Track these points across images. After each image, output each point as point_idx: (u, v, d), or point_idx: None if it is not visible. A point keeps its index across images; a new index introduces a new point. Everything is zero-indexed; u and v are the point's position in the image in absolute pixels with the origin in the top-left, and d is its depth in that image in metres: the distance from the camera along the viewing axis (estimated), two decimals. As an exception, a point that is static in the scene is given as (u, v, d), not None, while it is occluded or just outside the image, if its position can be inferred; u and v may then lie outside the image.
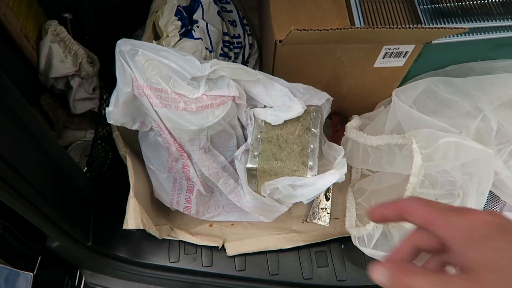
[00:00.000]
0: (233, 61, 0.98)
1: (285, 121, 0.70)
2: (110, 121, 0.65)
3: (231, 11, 1.03)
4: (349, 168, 0.95)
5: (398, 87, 0.89)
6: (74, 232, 0.72)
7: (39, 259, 0.75)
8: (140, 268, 0.84)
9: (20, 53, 0.73)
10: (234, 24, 1.02)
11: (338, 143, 0.95)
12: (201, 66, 0.59)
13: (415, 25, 0.73)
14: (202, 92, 0.60)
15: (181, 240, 0.84)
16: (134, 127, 0.68)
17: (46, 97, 0.77)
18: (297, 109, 0.68)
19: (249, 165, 0.68)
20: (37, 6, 0.77)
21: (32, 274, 0.73)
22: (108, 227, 0.82)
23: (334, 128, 0.99)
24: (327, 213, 0.89)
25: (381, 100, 0.93)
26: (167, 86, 0.59)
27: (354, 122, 0.87)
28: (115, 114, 0.64)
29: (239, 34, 1.01)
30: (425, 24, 0.75)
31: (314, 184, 0.64)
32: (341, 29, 0.62)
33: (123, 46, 0.58)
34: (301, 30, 0.61)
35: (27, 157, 0.58)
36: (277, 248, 0.84)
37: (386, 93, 0.90)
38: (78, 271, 0.88)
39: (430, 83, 0.82)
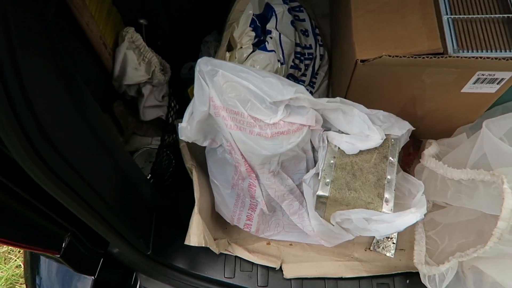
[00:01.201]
0: (303, 73, 0.94)
1: (361, 149, 0.66)
2: (182, 137, 0.64)
3: (304, 20, 0.99)
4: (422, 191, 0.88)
5: (484, 112, 0.81)
6: (136, 242, 0.73)
7: (100, 263, 0.77)
8: (195, 279, 0.83)
9: (98, 59, 0.74)
10: (306, 34, 0.98)
11: (410, 167, 0.89)
12: (283, 89, 0.56)
13: (519, 54, 0.65)
14: (280, 117, 0.57)
15: (238, 256, 0.82)
16: (205, 144, 0.67)
17: (118, 104, 0.77)
18: (375, 139, 0.63)
19: (320, 193, 0.65)
20: (116, 13, 0.78)
21: (93, 277, 0.75)
22: (167, 237, 0.82)
23: (406, 151, 0.93)
24: (393, 243, 0.84)
25: (462, 125, 0.85)
26: (243, 110, 0.57)
27: (431, 149, 0.80)
28: (188, 131, 0.62)
29: (310, 45, 0.97)
30: (527, 49, 0.67)
31: (392, 221, 0.60)
32: (436, 56, 0.56)
33: (203, 66, 0.56)
34: (393, 57, 0.55)
35: (98, 167, 0.58)
36: (337, 276, 0.80)
37: (469, 118, 0.83)
38: (134, 274, 0.89)
39: (527, 114, 0.74)
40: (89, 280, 0.76)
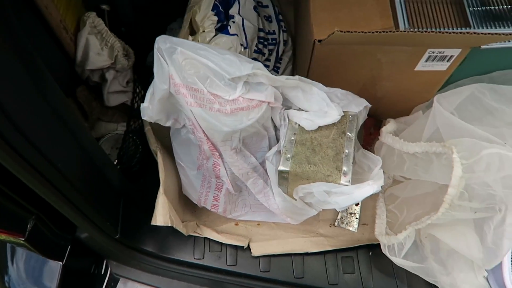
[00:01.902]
0: (266, 58, 0.96)
1: (320, 125, 0.68)
2: (145, 117, 0.64)
3: (267, 6, 1.01)
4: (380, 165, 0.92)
5: (438, 91, 0.85)
6: (104, 225, 0.73)
7: (68, 248, 0.76)
8: (165, 262, 0.84)
9: (59, 44, 0.74)
10: (270, 19, 1.00)
11: (372, 146, 0.93)
12: (240, 65, 0.58)
13: (465, 30, 0.69)
14: (239, 94, 0.59)
15: (207, 238, 0.84)
16: (168, 124, 0.68)
17: (82, 89, 0.77)
18: (333, 116, 0.66)
19: (281, 168, 0.67)
20: (76, -2, 0.78)
21: (61, 263, 0.75)
22: (136, 221, 0.83)
23: (367, 131, 0.96)
24: (356, 218, 0.87)
25: (418, 104, 0.89)
26: (203, 87, 0.58)
27: (389, 127, 0.84)
28: (150, 110, 0.63)
29: (274, 30, 0.99)
30: (474, 27, 0.71)
31: (351, 193, 0.62)
32: (386, 32, 0.59)
33: (162, 43, 0.57)
34: (344, 32, 0.58)
35: (62, 149, 0.59)
36: (303, 252, 0.83)
37: (425, 97, 0.86)
38: (105, 261, 0.90)
39: (475, 90, 0.78)
40: (57, 266, 0.76)
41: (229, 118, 0.61)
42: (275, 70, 0.99)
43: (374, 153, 0.87)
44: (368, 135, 0.95)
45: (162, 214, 0.70)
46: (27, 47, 0.53)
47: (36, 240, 0.67)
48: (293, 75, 1.04)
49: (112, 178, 0.78)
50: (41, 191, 0.56)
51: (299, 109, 0.71)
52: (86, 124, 0.80)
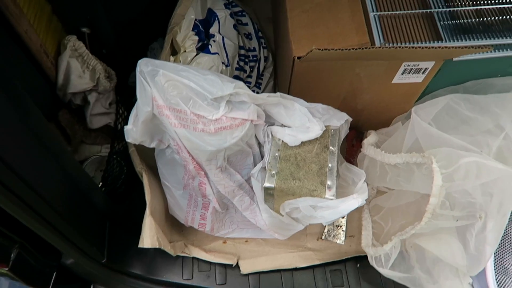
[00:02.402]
0: (248, 75, 0.97)
1: (303, 140, 0.69)
2: (129, 139, 0.64)
3: (246, 24, 1.03)
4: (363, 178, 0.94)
5: (416, 102, 0.87)
6: (90, 250, 0.72)
7: (53, 276, 0.75)
8: (154, 285, 0.83)
9: (40, 68, 0.73)
10: (250, 37, 1.01)
11: (354, 158, 0.94)
12: (222, 85, 0.59)
13: (437, 44, 0.72)
14: (222, 113, 0.60)
15: (195, 257, 0.83)
16: (152, 145, 0.68)
17: (64, 113, 0.77)
18: (315, 131, 0.67)
19: (266, 184, 0.67)
20: (56, 22, 0.78)
21: (46, 291, 0.73)
22: (122, 243, 0.82)
23: (350, 143, 0.98)
24: (343, 230, 0.88)
25: (398, 115, 0.91)
26: (186, 107, 0.58)
27: (371, 139, 0.85)
28: (134, 132, 0.63)
29: (254, 47, 1.00)
30: (446, 40, 0.74)
31: (336, 207, 0.63)
32: (362, 48, 0.61)
33: (144, 66, 0.58)
34: (322, 50, 0.60)
35: (45, 174, 0.58)
36: (292, 267, 0.83)
37: (403, 108, 0.89)
38: (92, 286, 0.88)
39: (450, 100, 0.81)
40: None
41: (213, 137, 0.61)
42: (257, 86, 1.01)
43: (357, 165, 0.89)
44: (351, 147, 0.97)
45: (149, 236, 0.70)
46: (7, 73, 0.53)
47: (20, 269, 0.65)
48: (274, 90, 1.07)
49: (97, 201, 0.77)
50: (24, 218, 0.55)
51: (282, 125, 0.72)
52: (69, 147, 0.80)
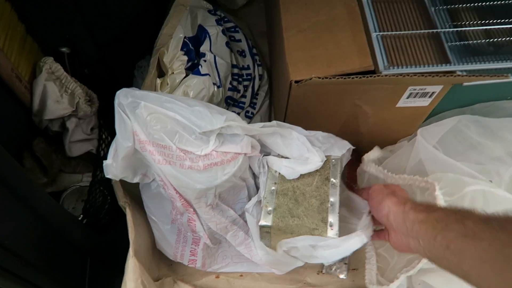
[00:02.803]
0: (242, 95, 0.91)
1: (301, 173, 0.63)
2: (109, 175, 0.58)
3: (240, 40, 0.97)
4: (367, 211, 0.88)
5: (421, 124, 0.82)
6: (68, 294, 0.65)
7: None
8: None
9: (11, 94, 0.67)
10: (243, 54, 0.96)
11: (356, 183, 0.89)
12: (212, 118, 0.53)
13: (445, 68, 0.66)
14: (212, 148, 0.54)
15: (185, 294, 0.77)
16: (135, 180, 0.62)
17: (39, 142, 0.70)
18: (315, 162, 0.61)
19: (262, 223, 0.61)
20: (31, 42, 0.71)
21: None
22: (105, 282, 0.75)
23: (351, 166, 0.92)
24: (345, 263, 0.82)
25: (402, 137, 0.86)
26: (171, 143, 0.52)
27: (372, 154, 0.80)
28: (113, 168, 0.57)
29: (248, 65, 0.94)
30: (454, 63, 0.68)
31: (338, 246, 0.57)
32: (365, 77, 0.55)
33: (123, 98, 0.52)
34: (322, 78, 0.54)
35: (10, 221, 0.51)
36: (291, 304, 0.77)
37: (408, 131, 0.84)
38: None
39: (459, 122, 0.76)
40: None
41: (202, 174, 0.55)
42: (252, 106, 0.95)
43: (358, 189, 0.83)
44: (353, 171, 0.91)
45: (133, 279, 0.63)
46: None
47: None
48: (270, 109, 1.01)
49: (77, 236, 0.71)
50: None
51: (279, 155, 0.66)
52: (45, 178, 0.73)
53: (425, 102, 0.73)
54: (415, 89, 0.69)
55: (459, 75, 0.57)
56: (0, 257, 0.46)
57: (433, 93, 0.70)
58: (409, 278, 0.72)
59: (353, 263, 0.82)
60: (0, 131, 0.62)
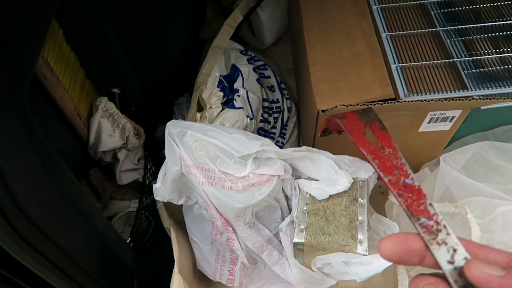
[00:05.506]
0: (272, 126, 0.98)
1: (331, 194, 0.69)
2: (157, 197, 0.65)
3: (269, 77, 1.06)
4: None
5: (444, 148, 0.86)
6: (118, 309, 0.71)
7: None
8: None
9: (72, 130, 0.76)
10: (273, 89, 1.04)
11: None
12: (249, 144, 0.60)
13: (462, 94, 0.71)
14: (249, 170, 0.60)
15: (224, 314, 0.81)
16: (180, 202, 0.69)
17: (94, 171, 0.79)
18: (343, 184, 0.66)
19: (296, 240, 0.66)
20: (89, 85, 0.82)
21: None
22: (150, 301, 0.80)
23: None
24: (377, 284, 0.84)
25: (426, 161, 0.90)
26: (214, 166, 0.59)
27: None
28: (162, 191, 0.64)
29: (277, 99, 1.02)
30: (471, 89, 0.73)
31: (371, 263, 0.61)
32: (387, 102, 0.61)
33: (173, 128, 0.60)
34: (347, 106, 0.60)
35: (74, 234, 0.59)
36: (326, 325, 0.79)
37: (432, 155, 0.87)
38: None
39: (479, 148, 0.79)
40: None
41: (241, 194, 0.61)
42: (282, 137, 1.02)
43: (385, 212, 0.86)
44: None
45: (178, 294, 0.69)
46: (42, 139, 0.55)
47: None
48: (299, 139, 1.07)
49: (126, 257, 0.77)
50: (56, 283, 0.55)
51: (309, 178, 0.72)
52: (99, 204, 0.81)
53: (446, 126, 0.78)
54: (435, 114, 0.74)
55: (475, 99, 0.61)
56: (69, 267, 0.53)
57: (453, 117, 0.75)
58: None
59: (385, 285, 0.84)
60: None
